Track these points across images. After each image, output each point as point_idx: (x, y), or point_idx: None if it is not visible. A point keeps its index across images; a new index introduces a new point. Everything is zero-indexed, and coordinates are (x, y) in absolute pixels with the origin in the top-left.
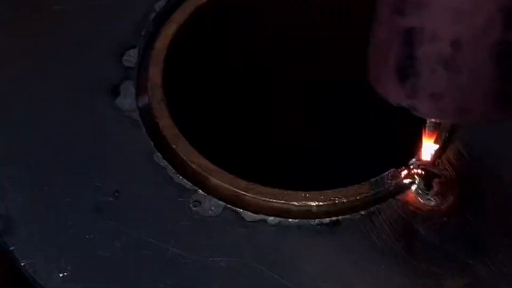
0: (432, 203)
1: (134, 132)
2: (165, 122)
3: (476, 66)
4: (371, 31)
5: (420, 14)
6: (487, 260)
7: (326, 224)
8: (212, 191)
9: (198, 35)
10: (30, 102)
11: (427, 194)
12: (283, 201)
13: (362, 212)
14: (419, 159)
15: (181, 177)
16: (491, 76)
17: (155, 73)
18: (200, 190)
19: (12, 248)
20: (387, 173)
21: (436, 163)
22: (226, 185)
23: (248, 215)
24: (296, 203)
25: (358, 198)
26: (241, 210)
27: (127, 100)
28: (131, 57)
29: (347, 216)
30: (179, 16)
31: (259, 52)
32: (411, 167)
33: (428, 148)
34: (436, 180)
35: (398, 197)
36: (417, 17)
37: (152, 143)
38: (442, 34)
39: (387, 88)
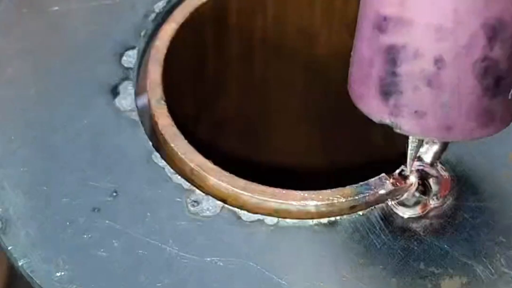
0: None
1: (133, 132)
2: (164, 121)
3: (459, 83)
4: (353, 47)
5: (402, 31)
6: (485, 260)
7: (324, 224)
8: (210, 190)
9: (198, 35)
10: (29, 102)
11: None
12: (281, 201)
13: (361, 213)
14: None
15: (179, 177)
16: (474, 93)
17: (154, 72)
18: (198, 190)
19: (10, 247)
20: (377, 178)
21: (436, 164)
22: (224, 184)
23: (246, 215)
24: (294, 203)
25: (356, 198)
26: (239, 210)
27: (126, 100)
28: (130, 57)
29: (345, 216)
30: (179, 16)
31: (258, 51)
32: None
33: (411, 163)
34: (434, 180)
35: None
36: (399, 34)
37: (150, 143)
38: (424, 51)
39: (369, 105)
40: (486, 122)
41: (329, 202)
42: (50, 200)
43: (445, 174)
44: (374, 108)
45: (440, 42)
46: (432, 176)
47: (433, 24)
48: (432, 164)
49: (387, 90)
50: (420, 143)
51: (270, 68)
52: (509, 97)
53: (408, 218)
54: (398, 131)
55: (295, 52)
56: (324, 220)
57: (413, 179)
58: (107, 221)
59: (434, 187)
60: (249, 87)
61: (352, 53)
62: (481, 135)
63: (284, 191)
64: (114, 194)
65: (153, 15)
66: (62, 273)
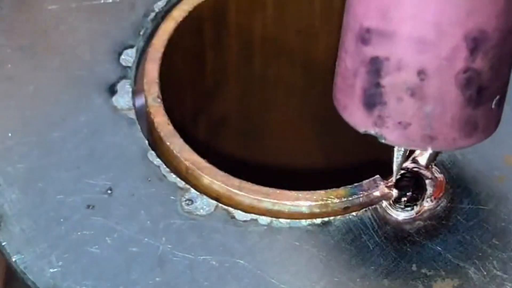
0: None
1: (130, 130)
2: (160, 119)
3: (442, 94)
4: (337, 59)
5: (385, 43)
6: (478, 262)
7: (317, 225)
8: (204, 189)
9: (196, 33)
10: (27, 99)
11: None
12: (275, 201)
13: (354, 214)
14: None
15: (174, 175)
16: (456, 103)
17: (151, 70)
18: (192, 189)
19: (4, 243)
20: (371, 179)
21: (430, 167)
22: (218, 183)
23: (240, 214)
24: (288, 203)
25: (350, 199)
26: (233, 209)
27: (123, 99)
28: (129, 56)
29: (339, 217)
30: (178, 14)
31: (258, 51)
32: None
33: (397, 172)
34: (429, 182)
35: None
36: (382, 46)
37: (147, 141)
38: (407, 63)
39: (354, 116)
40: (470, 131)
41: (322, 202)
42: (45, 197)
43: (439, 176)
44: (358, 118)
45: (422, 54)
46: (426, 178)
47: (415, 37)
48: (427, 166)
49: (371, 101)
50: (406, 153)
51: (269, 68)
52: (492, 106)
53: (402, 220)
54: (382, 141)
55: (295, 52)
56: (317, 221)
57: (394, 192)
58: (101, 218)
59: (428, 189)
60: (248, 87)
61: (336, 63)
62: (464, 144)
63: (278, 191)
64: (109, 191)
65: (152, 15)
66: (56, 269)
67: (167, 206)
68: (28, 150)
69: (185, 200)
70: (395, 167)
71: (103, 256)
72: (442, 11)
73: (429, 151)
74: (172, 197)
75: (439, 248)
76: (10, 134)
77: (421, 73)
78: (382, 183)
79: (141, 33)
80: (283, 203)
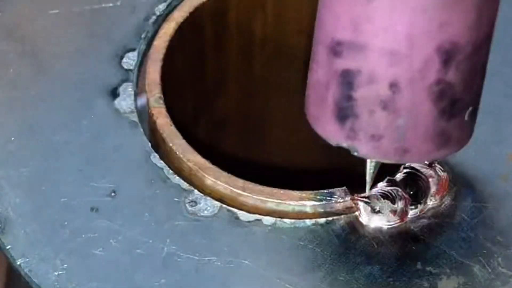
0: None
1: (132, 133)
2: (162, 121)
3: (414, 107)
4: (309, 70)
5: (357, 56)
6: (483, 260)
7: (322, 225)
8: (208, 190)
9: (197, 34)
10: (29, 103)
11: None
12: (279, 201)
13: (358, 212)
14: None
15: (177, 177)
16: (429, 116)
17: (153, 71)
18: (196, 190)
19: (9, 247)
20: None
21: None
22: (222, 184)
23: (244, 215)
24: (292, 203)
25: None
26: (237, 210)
27: (126, 102)
28: (130, 59)
29: (343, 216)
30: (178, 15)
31: (258, 51)
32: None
33: (369, 183)
34: (432, 180)
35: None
36: (354, 59)
37: (149, 143)
38: (379, 76)
39: (326, 128)
40: (443, 143)
41: (326, 202)
42: (49, 200)
43: (443, 174)
44: (330, 131)
45: (394, 66)
46: (430, 176)
47: (387, 49)
48: (430, 165)
49: (343, 114)
50: (379, 164)
51: (269, 68)
52: (466, 118)
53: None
54: (355, 154)
55: (295, 52)
56: (321, 220)
57: (361, 206)
58: (105, 221)
59: (432, 187)
60: (249, 87)
61: (308, 75)
62: (438, 156)
63: (282, 191)
64: (113, 194)
65: (153, 18)
66: (60, 272)
67: (171, 207)
68: (31, 154)
69: (189, 202)
70: (368, 179)
71: (108, 259)
72: (414, 24)
73: (403, 162)
74: (176, 199)
75: (444, 246)
76: (13, 138)
77: (393, 85)
78: (348, 196)
79: (143, 36)
80: (287, 203)
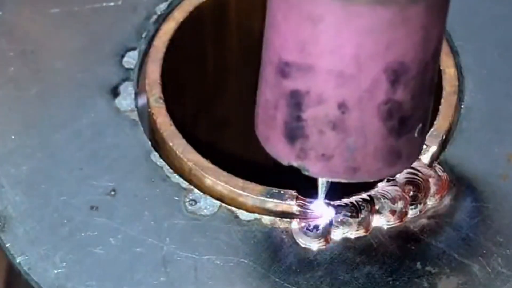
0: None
1: (132, 132)
2: (162, 120)
3: (364, 126)
4: (258, 89)
5: (304, 77)
6: (482, 260)
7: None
8: (208, 190)
9: (197, 34)
10: (30, 101)
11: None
12: (278, 201)
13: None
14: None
15: (177, 176)
16: (379, 135)
17: (153, 71)
18: (196, 189)
19: (8, 244)
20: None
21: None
22: (222, 184)
23: (244, 214)
24: (291, 203)
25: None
26: (236, 209)
27: (126, 101)
28: (131, 58)
29: (343, 216)
30: (179, 14)
31: (258, 51)
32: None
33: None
34: (433, 181)
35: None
36: (302, 80)
37: (149, 142)
38: (328, 96)
39: (276, 148)
40: (393, 161)
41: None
42: (48, 198)
43: (443, 174)
44: (281, 151)
45: (342, 87)
46: (430, 176)
47: (334, 70)
48: (430, 165)
49: (293, 134)
50: (329, 182)
51: None
52: (415, 135)
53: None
54: (306, 173)
55: None
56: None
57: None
58: (105, 219)
59: (432, 188)
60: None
61: (257, 93)
62: (388, 174)
63: (282, 191)
64: (112, 192)
65: (154, 17)
66: (60, 270)
67: (171, 206)
68: (31, 152)
69: (189, 201)
70: (320, 195)
71: (107, 257)
72: (361, 45)
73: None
74: (176, 198)
75: (444, 246)
76: (13, 137)
77: (342, 106)
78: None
79: (143, 35)
80: (287, 203)
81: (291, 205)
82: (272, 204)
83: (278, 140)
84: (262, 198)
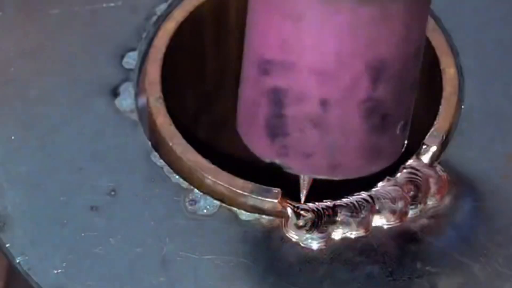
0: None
1: (133, 132)
2: (162, 120)
3: (345, 123)
4: (239, 86)
5: (286, 75)
6: (482, 259)
7: None
8: (208, 190)
9: (197, 34)
10: (30, 102)
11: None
12: (262, 198)
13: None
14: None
15: (177, 176)
16: (360, 132)
17: (153, 71)
18: (196, 189)
19: (8, 245)
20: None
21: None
22: (222, 184)
23: (244, 214)
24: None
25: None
26: (236, 209)
27: (126, 101)
28: (131, 59)
29: (343, 215)
30: (178, 15)
31: None
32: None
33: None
34: (433, 180)
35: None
36: (283, 78)
37: (149, 143)
38: (309, 94)
39: (257, 145)
40: (375, 158)
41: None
42: (48, 199)
43: (443, 174)
44: (262, 148)
45: (323, 85)
46: (430, 176)
47: (315, 68)
48: (430, 165)
49: (274, 132)
50: (311, 178)
51: None
52: (397, 132)
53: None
54: (287, 170)
55: None
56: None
57: (289, 212)
58: (105, 220)
59: (432, 187)
60: None
61: (239, 90)
62: (370, 171)
63: (282, 190)
64: (113, 193)
65: (154, 18)
66: (60, 270)
67: (171, 206)
68: (32, 152)
69: (189, 201)
70: (302, 192)
71: (107, 257)
72: (342, 43)
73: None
74: (176, 198)
75: (444, 246)
76: (13, 137)
77: (323, 103)
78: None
79: (143, 36)
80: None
81: (275, 203)
82: (258, 201)
83: (259, 137)
84: (247, 194)
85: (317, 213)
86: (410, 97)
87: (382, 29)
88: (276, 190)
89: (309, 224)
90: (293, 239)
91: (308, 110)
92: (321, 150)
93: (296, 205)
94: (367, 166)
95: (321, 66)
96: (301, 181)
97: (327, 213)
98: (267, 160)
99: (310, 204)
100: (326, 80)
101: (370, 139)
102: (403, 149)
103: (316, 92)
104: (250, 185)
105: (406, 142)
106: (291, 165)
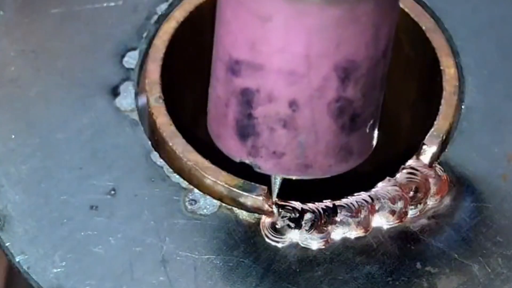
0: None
1: (133, 131)
2: (162, 120)
3: (315, 124)
4: (210, 86)
5: (255, 75)
6: (482, 260)
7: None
8: (208, 189)
9: (197, 33)
10: (30, 101)
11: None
12: (247, 194)
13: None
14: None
15: (177, 176)
16: (330, 132)
17: (153, 71)
18: (196, 189)
19: (8, 244)
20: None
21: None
22: (221, 183)
23: (243, 214)
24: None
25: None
26: (236, 208)
27: (126, 101)
28: (131, 58)
29: (343, 216)
30: (179, 14)
31: None
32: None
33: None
34: (433, 181)
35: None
36: (252, 78)
37: (150, 142)
38: (278, 95)
39: (228, 145)
40: (345, 157)
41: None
42: (48, 198)
43: (443, 174)
44: (232, 148)
45: (293, 85)
46: (430, 176)
47: (285, 69)
48: (430, 165)
49: (244, 132)
50: (281, 181)
51: None
52: (367, 131)
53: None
54: (258, 170)
55: None
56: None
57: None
58: (104, 219)
59: (432, 188)
60: None
61: (209, 90)
62: (340, 170)
63: (256, 185)
64: (112, 192)
65: (155, 17)
66: (59, 269)
67: (171, 206)
68: (32, 152)
69: (189, 200)
70: (273, 192)
71: (107, 256)
72: (311, 44)
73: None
74: (176, 197)
75: (444, 246)
76: (13, 136)
77: (292, 104)
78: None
79: (144, 35)
80: (288, 202)
81: (260, 200)
82: (243, 197)
83: (229, 137)
84: (235, 190)
85: (315, 213)
86: (379, 96)
87: (350, 30)
88: (263, 187)
89: (285, 228)
90: (266, 239)
91: (278, 110)
92: (291, 150)
93: (282, 203)
94: (337, 165)
95: (290, 67)
96: (272, 180)
97: (326, 213)
98: (237, 160)
99: (310, 204)
100: (295, 81)
101: (340, 139)
102: (373, 147)
103: (285, 92)
104: (236, 180)
105: (375, 140)
106: (262, 165)
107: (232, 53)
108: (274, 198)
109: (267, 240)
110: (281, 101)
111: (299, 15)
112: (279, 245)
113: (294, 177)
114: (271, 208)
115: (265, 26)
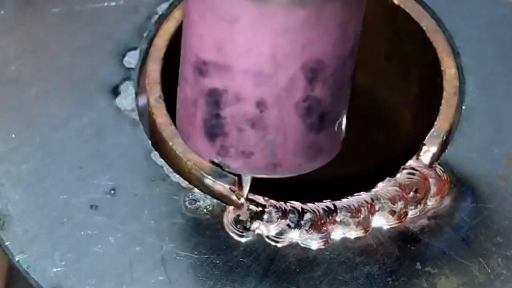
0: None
1: (133, 131)
2: (162, 120)
3: (283, 123)
4: (178, 86)
5: (222, 76)
6: (482, 260)
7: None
8: (207, 189)
9: None
10: (30, 100)
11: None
12: (218, 181)
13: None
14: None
15: (177, 175)
16: (299, 131)
17: (153, 70)
18: (196, 189)
19: (8, 243)
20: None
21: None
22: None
23: (243, 214)
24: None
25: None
26: (236, 208)
27: (126, 100)
28: (132, 58)
29: (343, 216)
30: (179, 14)
31: None
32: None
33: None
34: (433, 181)
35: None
36: (220, 79)
37: (150, 142)
38: (246, 95)
39: (197, 145)
40: (314, 156)
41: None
42: (48, 197)
43: (443, 175)
44: (201, 148)
45: (260, 86)
46: (430, 177)
47: (251, 70)
48: (430, 165)
49: (213, 132)
50: (250, 180)
51: None
52: (335, 129)
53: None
54: (227, 169)
55: None
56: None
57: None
58: (104, 218)
59: (432, 188)
60: None
61: (177, 90)
62: (309, 168)
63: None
64: (112, 191)
65: (155, 17)
66: (59, 269)
67: (171, 205)
68: (32, 151)
69: (189, 200)
70: (244, 191)
71: (107, 256)
72: (277, 45)
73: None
74: (176, 197)
75: (443, 247)
76: (13, 135)
77: (260, 104)
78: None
79: (144, 35)
80: (288, 202)
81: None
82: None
83: (198, 137)
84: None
85: (314, 212)
86: (347, 94)
87: (317, 30)
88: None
89: (248, 221)
90: (227, 229)
91: (245, 110)
92: (260, 149)
93: (250, 197)
94: (306, 164)
95: (257, 67)
96: (243, 179)
97: (326, 213)
98: (207, 160)
99: (310, 204)
100: (262, 82)
101: (308, 138)
102: (341, 145)
103: (252, 93)
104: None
105: (343, 137)
106: (231, 164)
107: (200, 54)
108: (245, 196)
109: (230, 234)
110: (249, 102)
111: (265, 17)
112: (279, 245)
113: (263, 176)
114: (239, 198)
115: (232, 28)
